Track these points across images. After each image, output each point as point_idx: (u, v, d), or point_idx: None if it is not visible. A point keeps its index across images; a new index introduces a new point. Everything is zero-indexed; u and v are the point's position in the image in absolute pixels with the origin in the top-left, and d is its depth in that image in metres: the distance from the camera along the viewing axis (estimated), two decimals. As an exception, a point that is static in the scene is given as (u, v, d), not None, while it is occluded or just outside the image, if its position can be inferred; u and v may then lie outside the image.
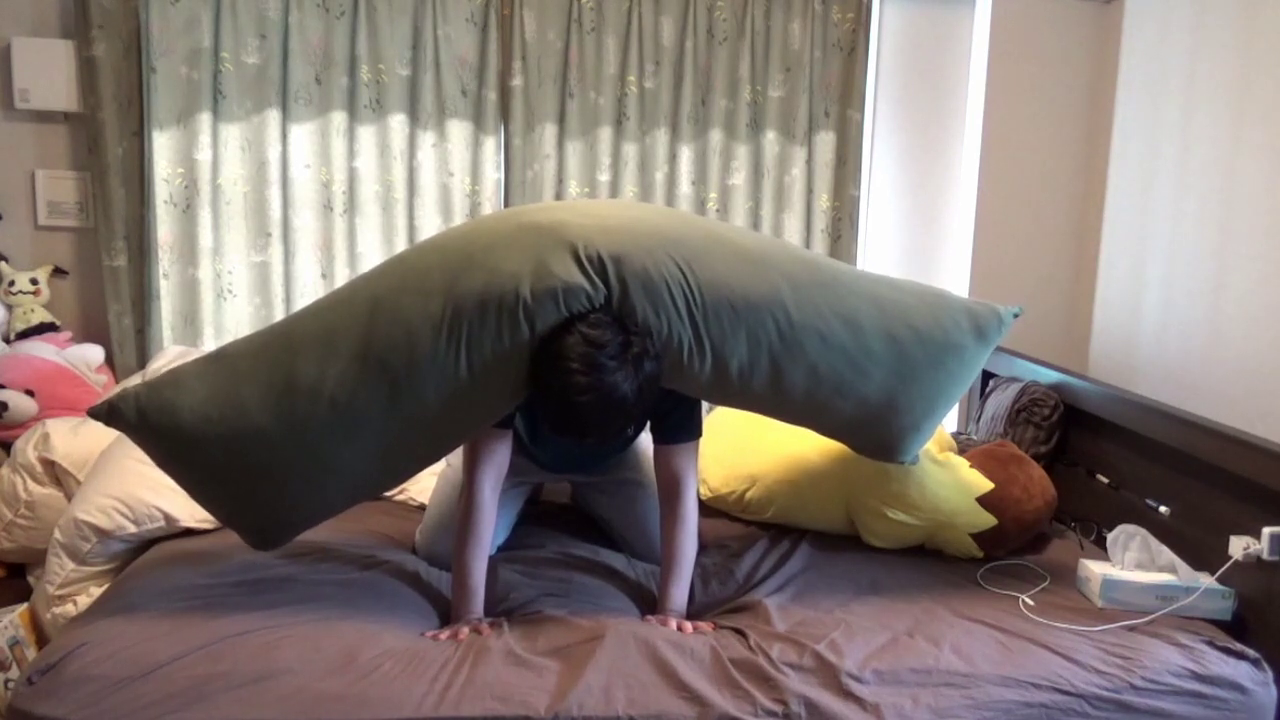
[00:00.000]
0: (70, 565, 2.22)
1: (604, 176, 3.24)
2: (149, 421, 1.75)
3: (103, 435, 2.49)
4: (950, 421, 3.47)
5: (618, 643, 1.75)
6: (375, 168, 3.15)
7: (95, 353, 2.91)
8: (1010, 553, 2.30)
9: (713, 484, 2.49)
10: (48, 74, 2.93)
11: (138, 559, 2.15)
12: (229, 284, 3.09)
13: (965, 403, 3.43)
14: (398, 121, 3.12)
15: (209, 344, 3.04)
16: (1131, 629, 1.93)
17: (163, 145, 2.97)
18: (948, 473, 2.29)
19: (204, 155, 2.98)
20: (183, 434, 1.74)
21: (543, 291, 1.72)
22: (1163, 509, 2.28)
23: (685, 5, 3.19)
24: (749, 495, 2.41)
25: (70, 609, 2.21)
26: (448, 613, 1.90)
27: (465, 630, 1.80)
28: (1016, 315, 2.14)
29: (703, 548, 2.17)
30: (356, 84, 3.08)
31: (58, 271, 3.07)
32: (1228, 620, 1.99)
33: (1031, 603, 2.04)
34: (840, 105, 3.30)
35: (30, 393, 2.71)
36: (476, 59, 3.14)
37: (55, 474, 2.50)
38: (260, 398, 1.74)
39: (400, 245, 3.18)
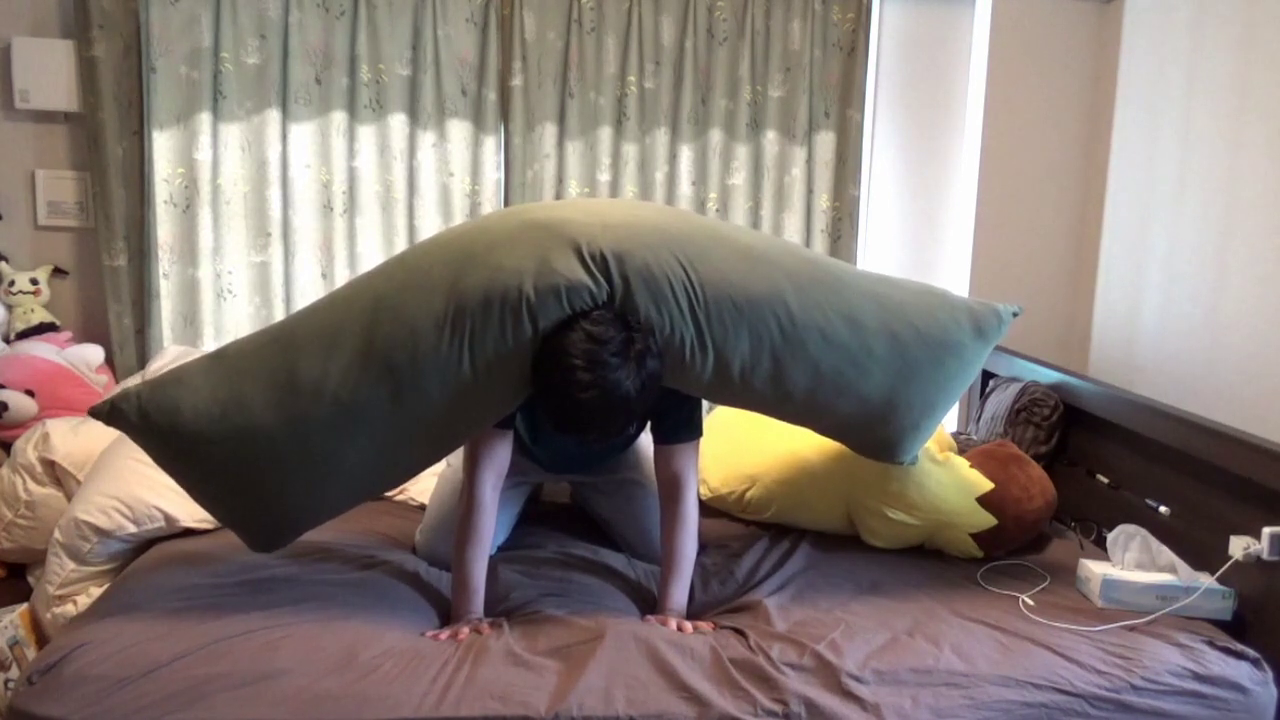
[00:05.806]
0: (70, 565, 2.22)
1: (604, 176, 3.24)
2: (151, 420, 1.75)
3: (103, 435, 2.49)
4: (950, 421, 3.47)
5: (618, 643, 1.75)
6: (375, 168, 3.14)
7: (95, 353, 2.91)
8: (1010, 553, 2.30)
9: (713, 484, 2.49)
10: (48, 74, 2.93)
11: (138, 559, 2.15)
12: (229, 284, 3.09)
13: (965, 403, 3.43)
14: (398, 121, 3.12)
15: (209, 344, 3.04)
16: (1131, 629, 1.93)
17: (163, 145, 2.97)
18: (948, 473, 2.29)
19: (204, 155, 2.98)
20: (184, 433, 1.74)
21: (546, 289, 1.72)
22: (1163, 509, 2.28)
23: (685, 5, 3.19)
24: (749, 495, 2.41)
25: (70, 609, 2.21)
26: (448, 613, 1.90)
27: (465, 630, 1.80)
28: (1016, 314, 2.14)
29: (703, 548, 2.17)
30: (356, 84, 3.08)
31: (58, 271, 3.07)
32: (1228, 620, 1.99)
33: (1031, 603, 2.04)
34: (840, 105, 3.30)
35: (30, 393, 2.71)
36: (476, 59, 3.14)
37: (55, 474, 2.50)
38: (263, 396, 1.74)
39: (400, 245, 3.18)
